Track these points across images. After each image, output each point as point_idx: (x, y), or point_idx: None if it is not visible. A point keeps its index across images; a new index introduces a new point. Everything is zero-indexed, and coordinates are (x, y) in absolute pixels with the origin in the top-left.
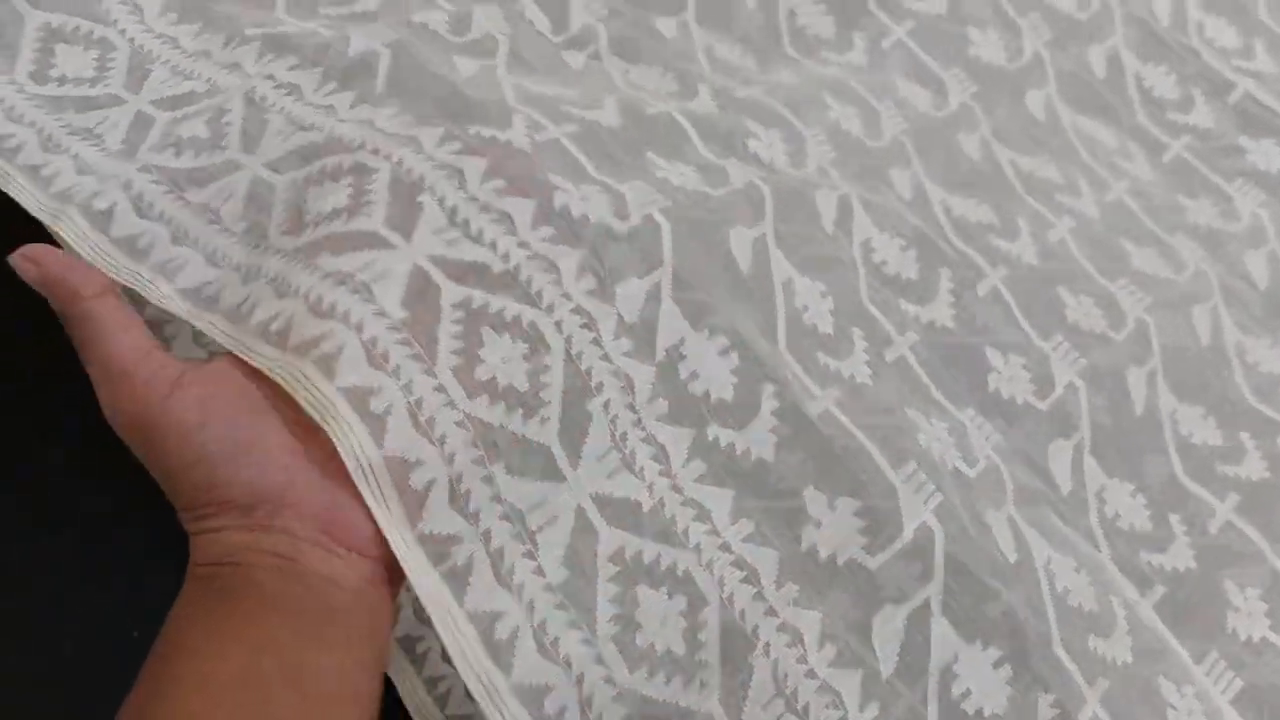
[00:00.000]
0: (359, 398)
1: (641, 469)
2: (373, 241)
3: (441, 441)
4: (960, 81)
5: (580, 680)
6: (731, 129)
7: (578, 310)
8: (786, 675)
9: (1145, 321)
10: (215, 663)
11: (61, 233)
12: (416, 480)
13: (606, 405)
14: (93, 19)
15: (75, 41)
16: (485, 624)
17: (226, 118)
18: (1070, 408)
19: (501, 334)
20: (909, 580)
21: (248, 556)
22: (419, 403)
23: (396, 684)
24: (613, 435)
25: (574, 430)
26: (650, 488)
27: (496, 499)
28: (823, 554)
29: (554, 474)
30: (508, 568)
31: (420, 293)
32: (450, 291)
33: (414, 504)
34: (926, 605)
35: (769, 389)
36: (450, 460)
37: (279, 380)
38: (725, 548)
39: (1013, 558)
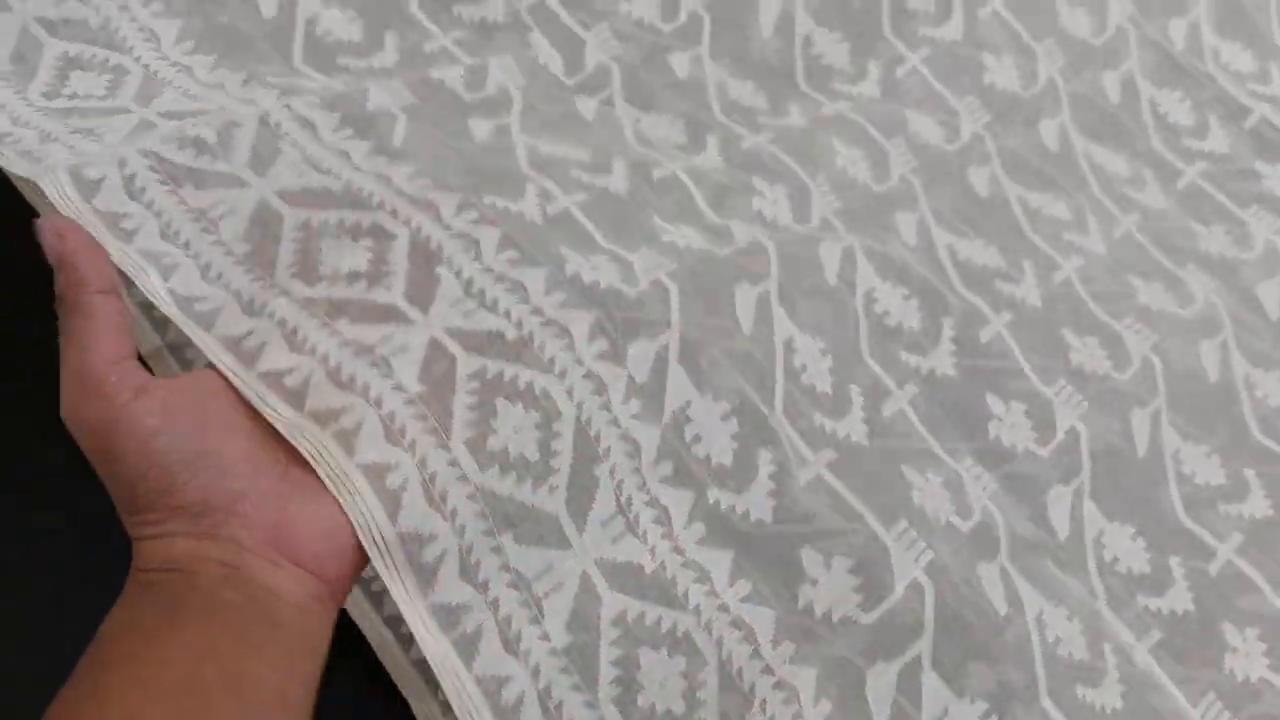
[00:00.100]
0: (376, 474)
1: (645, 532)
2: (392, 315)
3: (453, 515)
4: (973, 111)
5: None
6: (736, 188)
7: (589, 375)
8: None
9: (1151, 360)
10: (156, 669)
11: (45, 191)
12: (429, 554)
13: (613, 470)
14: (109, 47)
15: (91, 68)
16: (493, 689)
17: (238, 132)
18: (1071, 453)
19: (515, 403)
20: (901, 636)
21: (193, 564)
22: (433, 477)
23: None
24: (618, 500)
25: (581, 497)
26: (653, 551)
27: (505, 567)
28: (819, 611)
29: (560, 541)
30: (514, 634)
31: (437, 365)
32: (465, 362)
33: (426, 577)
34: (918, 660)
35: (765, 455)
36: (461, 533)
37: (300, 446)
38: (724, 608)
39: (1003, 610)
